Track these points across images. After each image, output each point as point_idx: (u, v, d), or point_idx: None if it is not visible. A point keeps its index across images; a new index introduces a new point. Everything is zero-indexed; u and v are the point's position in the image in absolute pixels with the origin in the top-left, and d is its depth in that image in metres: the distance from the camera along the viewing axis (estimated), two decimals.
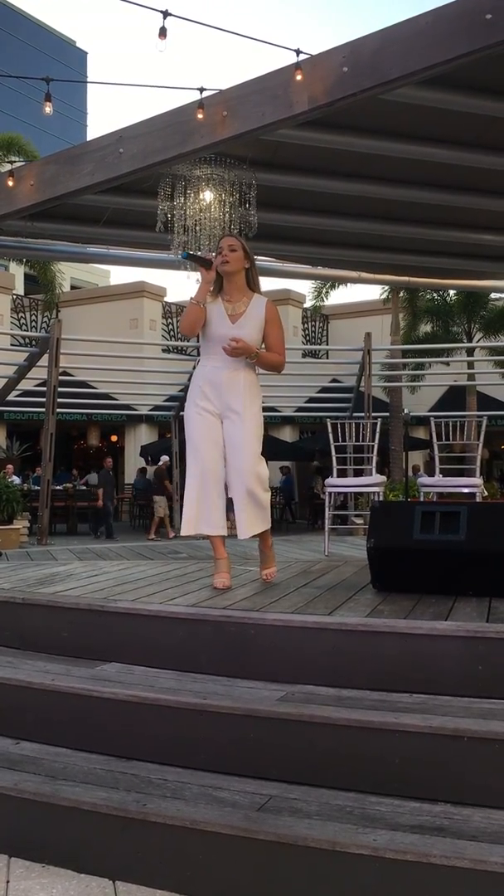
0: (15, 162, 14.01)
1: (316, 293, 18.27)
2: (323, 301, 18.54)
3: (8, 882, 2.17)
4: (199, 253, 3.94)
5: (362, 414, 11.71)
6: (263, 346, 3.78)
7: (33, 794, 2.34)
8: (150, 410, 19.16)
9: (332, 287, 17.68)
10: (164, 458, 14.81)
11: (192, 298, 3.71)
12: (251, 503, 3.68)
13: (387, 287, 16.92)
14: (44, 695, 2.83)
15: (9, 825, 2.37)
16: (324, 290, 17.99)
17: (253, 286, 3.80)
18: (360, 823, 2.08)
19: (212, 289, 3.73)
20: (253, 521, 3.70)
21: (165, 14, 4.73)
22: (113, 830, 2.21)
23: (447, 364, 17.09)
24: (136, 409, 19.04)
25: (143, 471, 18.13)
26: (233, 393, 3.72)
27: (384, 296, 18.05)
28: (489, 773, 2.23)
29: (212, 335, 3.74)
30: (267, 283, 23.93)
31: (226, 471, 3.74)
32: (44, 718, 2.81)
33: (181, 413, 13.98)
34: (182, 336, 21.41)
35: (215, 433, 3.73)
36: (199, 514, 3.69)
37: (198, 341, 4.06)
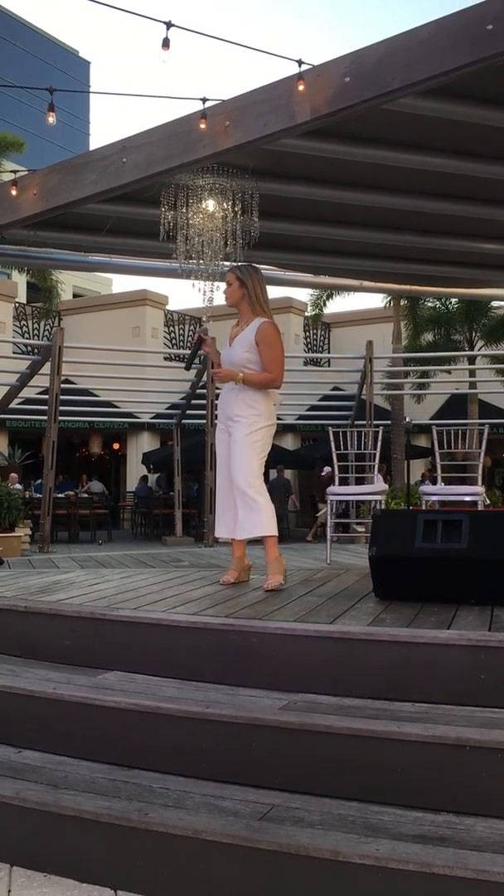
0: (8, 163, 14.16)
1: (314, 302, 18.31)
2: (321, 310, 18.57)
3: (10, 891, 2.16)
4: (192, 352, 4.53)
5: (364, 422, 11.72)
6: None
7: (35, 803, 2.33)
8: (152, 418, 19.16)
9: (329, 297, 17.73)
10: (327, 468, 14.57)
11: None
12: (241, 507, 4.03)
13: (388, 295, 16.95)
14: (46, 703, 2.82)
15: (11, 834, 2.36)
16: (321, 300, 18.05)
17: (255, 310, 4.14)
18: (362, 833, 2.08)
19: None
20: (242, 524, 4.05)
21: (168, 25, 4.75)
22: (115, 839, 2.20)
23: (449, 372, 17.10)
24: (137, 417, 19.04)
25: (144, 478, 18.14)
26: (231, 407, 4.11)
27: (387, 302, 18.08)
28: (492, 782, 2.22)
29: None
30: (270, 292, 23.84)
31: None
32: (46, 727, 2.81)
33: (183, 421, 14.11)
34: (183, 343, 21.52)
35: (225, 447, 4.15)
36: (217, 520, 4.26)
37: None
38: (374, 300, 21.04)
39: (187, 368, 4.70)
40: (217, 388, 12.31)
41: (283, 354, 4.12)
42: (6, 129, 20.19)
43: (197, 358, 4.53)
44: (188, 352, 4.66)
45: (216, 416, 4.30)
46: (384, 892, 1.93)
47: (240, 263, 4.79)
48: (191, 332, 22.01)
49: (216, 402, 11.70)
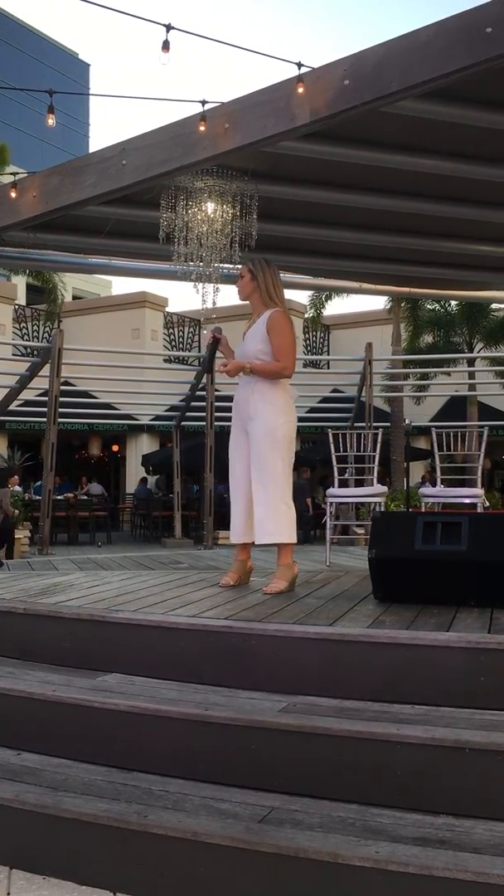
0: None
1: (312, 304, 18.33)
2: (319, 312, 18.58)
3: (9, 894, 2.16)
4: (209, 353, 4.42)
5: (363, 424, 11.72)
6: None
7: (34, 806, 2.33)
8: (152, 420, 19.16)
9: (328, 298, 17.74)
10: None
11: None
12: (263, 510, 3.86)
13: (390, 297, 16.94)
14: (45, 705, 2.82)
15: (10, 837, 2.36)
16: (320, 302, 18.06)
17: (267, 303, 4.07)
18: (361, 835, 2.08)
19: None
20: (262, 528, 3.88)
21: (168, 27, 4.77)
22: (114, 842, 2.20)
23: (448, 374, 17.11)
24: (137, 419, 19.04)
25: (143, 480, 18.14)
26: (246, 405, 4.00)
27: (388, 305, 18.10)
28: (491, 784, 2.22)
29: None
30: None
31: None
32: (45, 729, 2.81)
33: (182, 423, 14.16)
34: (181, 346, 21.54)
35: (241, 448, 4.03)
36: (232, 525, 4.10)
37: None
38: (373, 302, 21.06)
39: (209, 372, 4.68)
40: (217, 391, 12.34)
41: (293, 343, 4.03)
42: (6, 131, 20.15)
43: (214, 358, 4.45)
44: (188, 353, 4.66)
45: (216, 417, 4.28)
46: (384, 894, 1.93)
47: (253, 257, 4.74)
48: (190, 334, 22.02)
49: (216, 403, 11.79)
